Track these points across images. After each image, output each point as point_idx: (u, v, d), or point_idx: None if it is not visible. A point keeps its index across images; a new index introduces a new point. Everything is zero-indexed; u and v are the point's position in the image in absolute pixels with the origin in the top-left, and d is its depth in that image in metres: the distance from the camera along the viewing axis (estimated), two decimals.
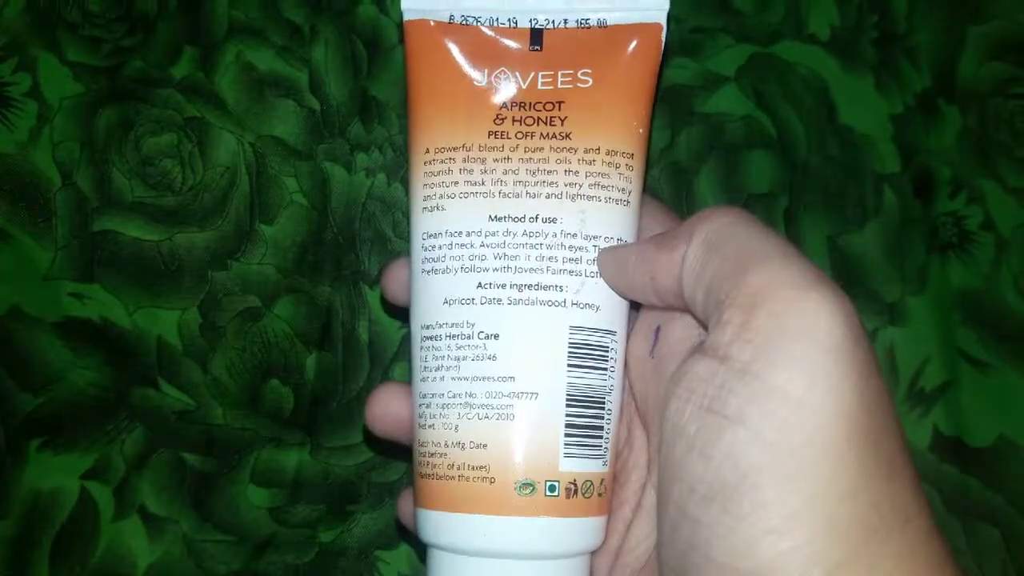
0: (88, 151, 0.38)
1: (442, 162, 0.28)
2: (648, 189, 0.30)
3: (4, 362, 0.37)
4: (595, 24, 0.29)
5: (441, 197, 0.28)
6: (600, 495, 0.28)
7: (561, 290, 0.27)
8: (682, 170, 0.39)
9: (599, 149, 0.28)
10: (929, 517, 0.23)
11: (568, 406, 0.27)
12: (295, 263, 0.38)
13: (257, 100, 0.38)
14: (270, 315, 0.38)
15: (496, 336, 0.27)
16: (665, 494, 0.24)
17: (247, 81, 0.39)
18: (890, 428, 0.23)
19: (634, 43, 0.28)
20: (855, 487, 0.22)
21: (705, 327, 0.25)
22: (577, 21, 0.29)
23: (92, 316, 0.38)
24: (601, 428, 0.27)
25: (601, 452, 0.28)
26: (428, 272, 0.28)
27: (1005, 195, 0.39)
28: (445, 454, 0.27)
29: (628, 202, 0.28)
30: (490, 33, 0.29)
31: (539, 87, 0.29)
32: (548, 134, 0.28)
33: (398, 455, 0.37)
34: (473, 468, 0.27)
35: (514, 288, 0.27)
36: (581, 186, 0.28)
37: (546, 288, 0.27)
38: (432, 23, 0.29)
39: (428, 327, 0.28)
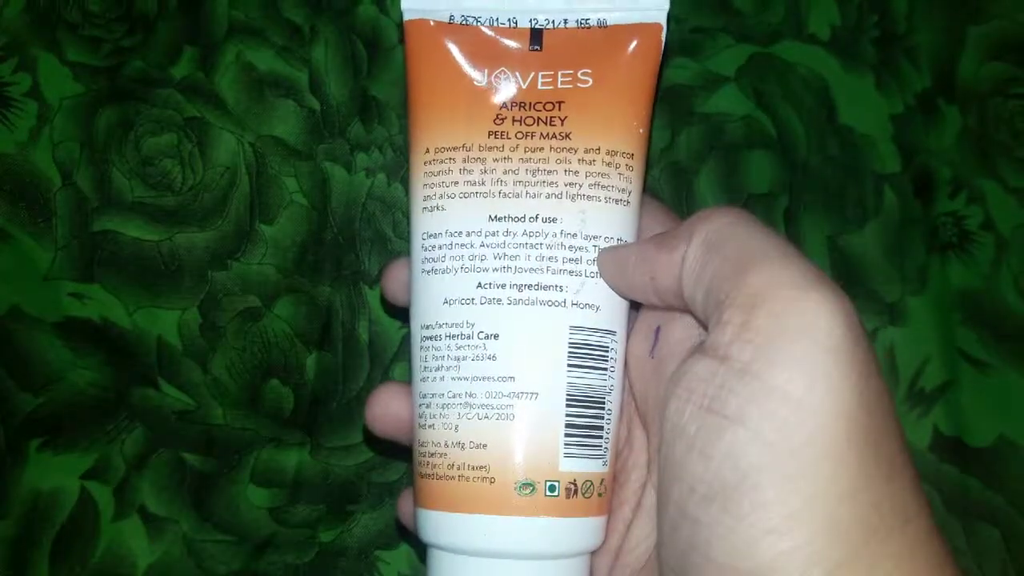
0: (88, 151, 0.38)
1: (442, 162, 0.28)
2: (648, 189, 0.30)
3: (4, 362, 0.37)
4: (595, 24, 0.29)
5: (441, 197, 0.28)
6: (600, 495, 0.28)
7: (561, 290, 0.27)
8: (682, 170, 0.39)
9: (599, 149, 0.28)
10: (929, 517, 0.23)
11: (568, 406, 0.27)
12: (295, 263, 0.38)
13: (257, 100, 0.38)
14: (270, 315, 0.38)
15: (496, 336, 0.27)
16: (665, 494, 0.24)
17: (247, 81, 0.39)
18: (890, 428, 0.23)
19: (634, 43, 0.28)
20: (855, 487, 0.22)
21: (705, 327, 0.25)
22: (577, 21, 0.29)
23: (92, 316, 0.38)
24: (601, 428, 0.27)
25: (601, 452, 0.28)
26: (428, 272, 0.28)
27: (1005, 195, 0.39)
28: (445, 454, 0.27)
29: (628, 202, 0.28)
30: (490, 33, 0.29)
31: (539, 87, 0.29)
32: (548, 134, 0.28)
33: (398, 455, 0.37)
34: (473, 468, 0.27)
35: (514, 288, 0.27)
36: (581, 186, 0.28)
37: (546, 288, 0.27)
38: (432, 23, 0.29)
39: (428, 327, 0.28)
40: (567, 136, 0.28)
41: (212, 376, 0.37)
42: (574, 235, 0.28)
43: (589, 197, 0.28)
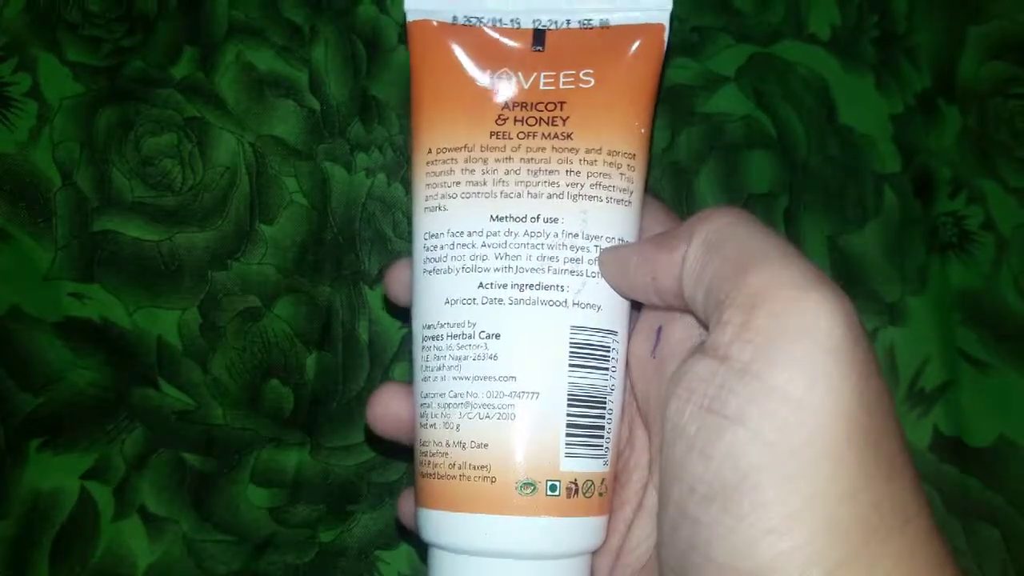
0: (88, 151, 0.38)
1: (444, 162, 0.28)
2: (649, 189, 0.30)
3: (4, 362, 0.37)
4: (597, 24, 0.29)
5: (443, 197, 0.28)
6: (601, 495, 0.28)
7: (562, 290, 0.27)
8: (682, 170, 0.39)
9: (601, 149, 0.28)
10: (929, 517, 0.23)
11: (569, 406, 0.27)
12: (295, 263, 0.38)
13: (257, 100, 0.38)
14: (270, 315, 0.38)
15: (497, 336, 0.27)
16: (665, 494, 0.24)
17: (247, 81, 0.39)
18: (890, 428, 0.23)
19: (637, 43, 0.28)
20: (855, 487, 0.22)
21: (706, 327, 0.25)
22: (580, 22, 0.29)
23: (92, 316, 0.38)
24: (602, 428, 0.27)
25: (602, 452, 0.28)
26: (430, 272, 0.28)
27: (1005, 195, 0.39)
28: (446, 453, 0.27)
29: (630, 202, 0.28)
30: (493, 34, 0.29)
31: (541, 87, 0.29)
32: (550, 134, 0.28)
33: (399, 455, 0.37)
34: (474, 468, 0.27)
35: (515, 288, 0.27)
36: (583, 186, 0.28)
37: (547, 288, 0.27)
38: (435, 24, 0.29)
39: (429, 327, 0.28)
40: (569, 136, 0.28)
41: (212, 376, 0.37)
42: (575, 235, 0.28)
43: (590, 197, 0.28)
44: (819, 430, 0.22)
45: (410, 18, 0.29)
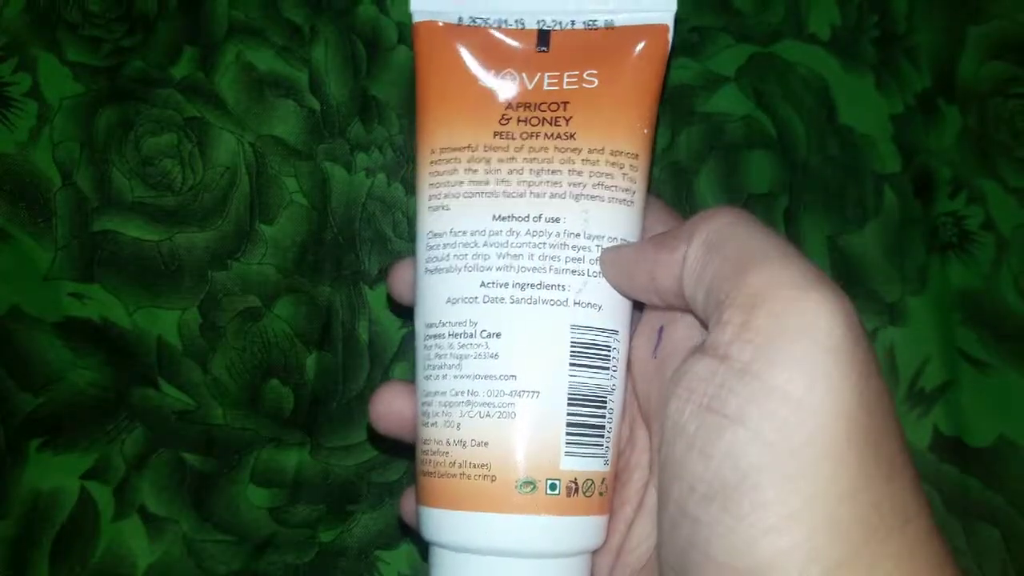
0: (88, 151, 0.38)
1: (447, 162, 0.28)
2: (650, 190, 0.30)
3: (4, 362, 0.37)
4: (602, 25, 0.29)
5: (446, 197, 0.28)
6: (601, 494, 0.28)
7: (564, 289, 0.27)
8: (682, 170, 0.39)
9: (603, 149, 0.28)
10: (929, 517, 0.23)
11: (570, 405, 0.27)
12: (295, 263, 0.38)
13: (257, 100, 0.38)
14: (270, 315, 0.38)
15: (498, 335, 0.27)
16: (665, 493, 0.24)
17: (247, 81, 0.39)
18: (890, 428, 0.23)
19: (641, 44, 0.28)
20: (855, 487, 0.22)
21: (706, 327, 0.25)
22: (584, 22, 0.29)
23: (92, 316, 0.38)
24: (603, 427, 0.28)
25: (603, 451, 0.28)
26: (432, 271, 0.28)
27: (1005, 195, 0.39)
28: (447, 452, 0.27)
29: (632, 202, 0.28)
30: (498, 34, 0.29)
31: (545, 88, 0.29)
32: (553, 134, 0.28)
33: (402, 453, 0.37)
34: (474, 466, 0.27)
35: (517, 287, 0.27)
36: (585, 186, 0.28)
37: (549, 287, 0.27)
38: (441, 24, 0.29)
39: (431, 325, 0.28)
40: (571, 136, 0.28)
41: (212, 376, 0.37)
42: (577, 235, 0.28)
43: (593, 197, 0.28)
44: (819, 430, 0.22)
45: (416, 19, 0.29)
